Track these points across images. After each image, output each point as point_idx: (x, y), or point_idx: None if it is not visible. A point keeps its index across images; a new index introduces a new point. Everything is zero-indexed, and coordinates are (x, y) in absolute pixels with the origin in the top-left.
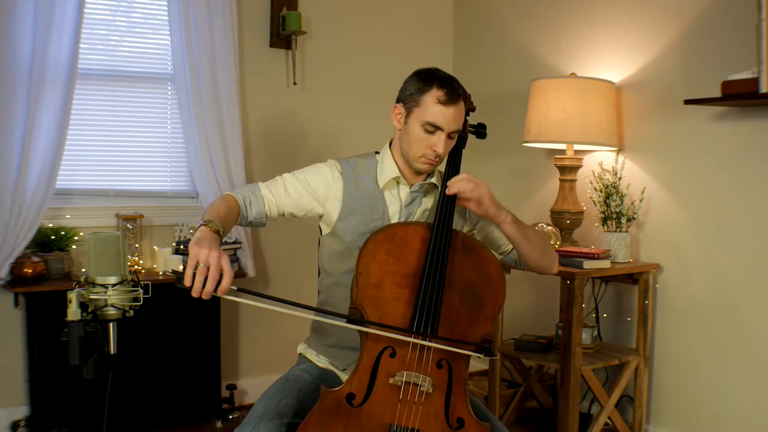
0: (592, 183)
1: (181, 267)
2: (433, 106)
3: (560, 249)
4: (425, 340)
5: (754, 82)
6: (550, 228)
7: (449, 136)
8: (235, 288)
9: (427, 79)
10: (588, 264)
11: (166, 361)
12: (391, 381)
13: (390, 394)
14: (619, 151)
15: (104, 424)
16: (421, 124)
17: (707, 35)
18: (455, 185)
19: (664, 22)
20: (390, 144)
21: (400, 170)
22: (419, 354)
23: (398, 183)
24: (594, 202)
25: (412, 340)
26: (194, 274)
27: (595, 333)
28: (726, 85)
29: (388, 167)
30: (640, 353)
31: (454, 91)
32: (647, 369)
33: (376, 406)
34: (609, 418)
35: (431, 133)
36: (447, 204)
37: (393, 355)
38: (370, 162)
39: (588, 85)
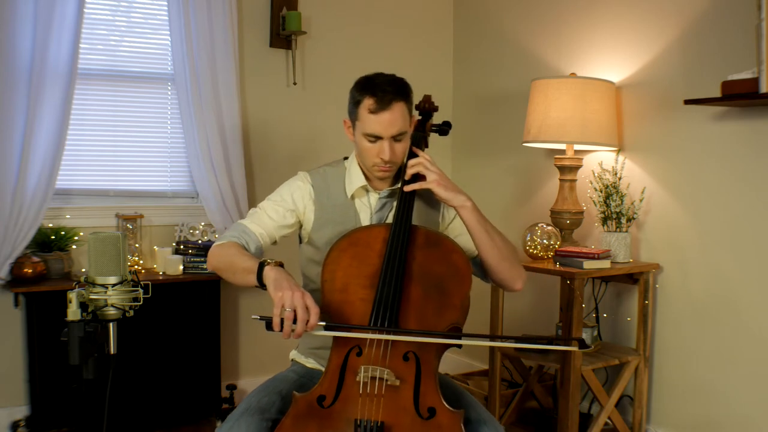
0: (592, 183)
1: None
2: (366, 117)
3: (560, 249)
4: (382, 334)
5: (754, 82)
6: (550, 228)
7: (395, 139)
8: (322, 323)
9: (361, 89)
10: (588, 264)
11: (166, 361)
12: (357, 378)
13: (357, 391)
14: (619, 151)
15: (104, 424)
16: (363, 136)
17: (707, 35)
18: (409, 170)
19: (664, 22)
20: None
21: (366, 178)
22: (383, 349)
23: (367, 190)
24: (594, 202)
25: (368, 336)
26: (282, 318)
27: (595, 333)
28: (726, 85)
29: (355, 176)
30: (640, 353)
31: (385, 96)
32: (647, 369)
33: (345, 404)
34: (609, 418)
35: (374, 142)
36: (405, 202)
37: (359, 353)
38: (339, 170)
39: (588, 85)
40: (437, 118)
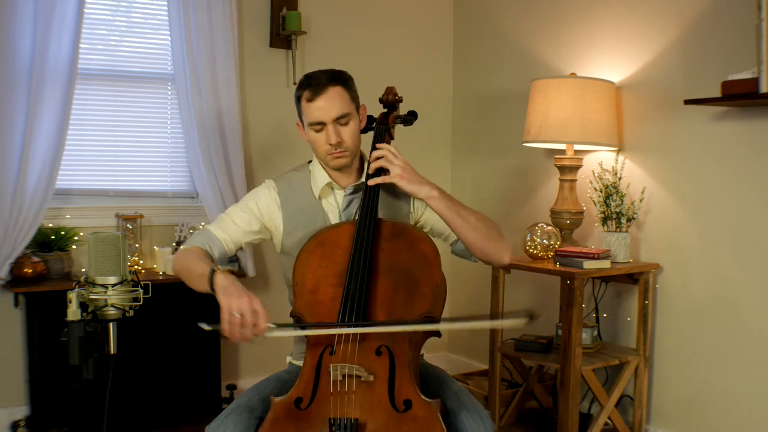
0: (592, 183)
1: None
2: (307, 107)
3: (560, 249)
4: (350, 328)
5: (754, 82)
6: (550, 228)
7: (339, 123)
8: (272, 325)
9: (298, 88)
10: (588, 264)
11: (166, 361)
12: (331, 378)
13: (331, 390)
14: (619, 151)
15: (104, 424)
16: (309, 128)
17: (707, 35)
18: (372, 165)
19: (664, 22)
20: None
21: (330, 176)
22: (353, 345)
23: (332, 189)
24: (594, 202)
25: (337, 331)
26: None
27: (595, 333)
28: (726, 85)
29: (319, 176)
30: (640, 353)
31: (318, 83)
32: (647, 369)
33: (321, 404)
34: (609, 418)
35: (320, 130)
36: (369, 196)
37: (332, 352)
38: (303, 174)
39: (588, 85)
40: (403, 109)
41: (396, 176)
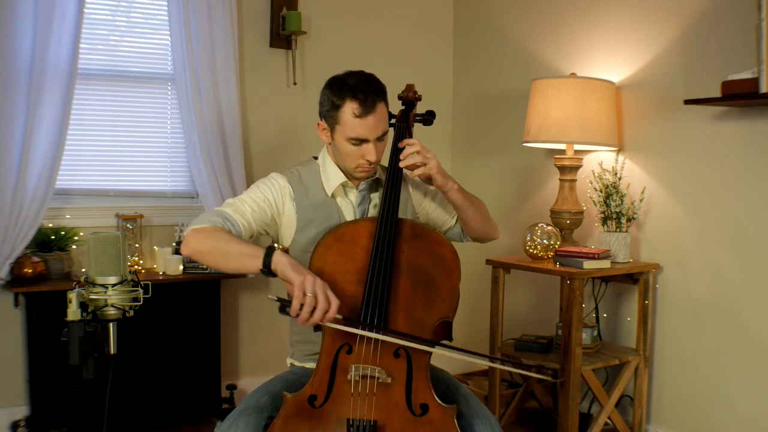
0: (592, 183)
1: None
2: (351, 121)
3: (560, 249)
4: (371, 332)
5: (754, 82)
6: (550, 228)
7: (378, 139)
8: (339, 316)
9: (338, 91)
10: (588, 264)
11: (166, 361)
12: (348, 377)
13: (349, 390)
14: (619, 151)
15: (104, 424)
16: (346, 140)
17: (707, 35)
18: (408, 159)
19: (664, 22)
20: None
21: (344, 175)
22: (374, 346)
23: (345, 186)
24: (594, 202)
25: (358, 332)
26: (301, 303)
27: (595, 333)
28: (726, 85)
29: (332, 174)
30: (640, 353)
31: (367, 98)
32: (647, 369)
33: (336, 404)
34: (609, 418)
35: (358, 145)
36: (391, 195)
37: (350, 351)
38: (312, 169)
39: (588, 85)
40: (420, 108)
41: (434, 168)
